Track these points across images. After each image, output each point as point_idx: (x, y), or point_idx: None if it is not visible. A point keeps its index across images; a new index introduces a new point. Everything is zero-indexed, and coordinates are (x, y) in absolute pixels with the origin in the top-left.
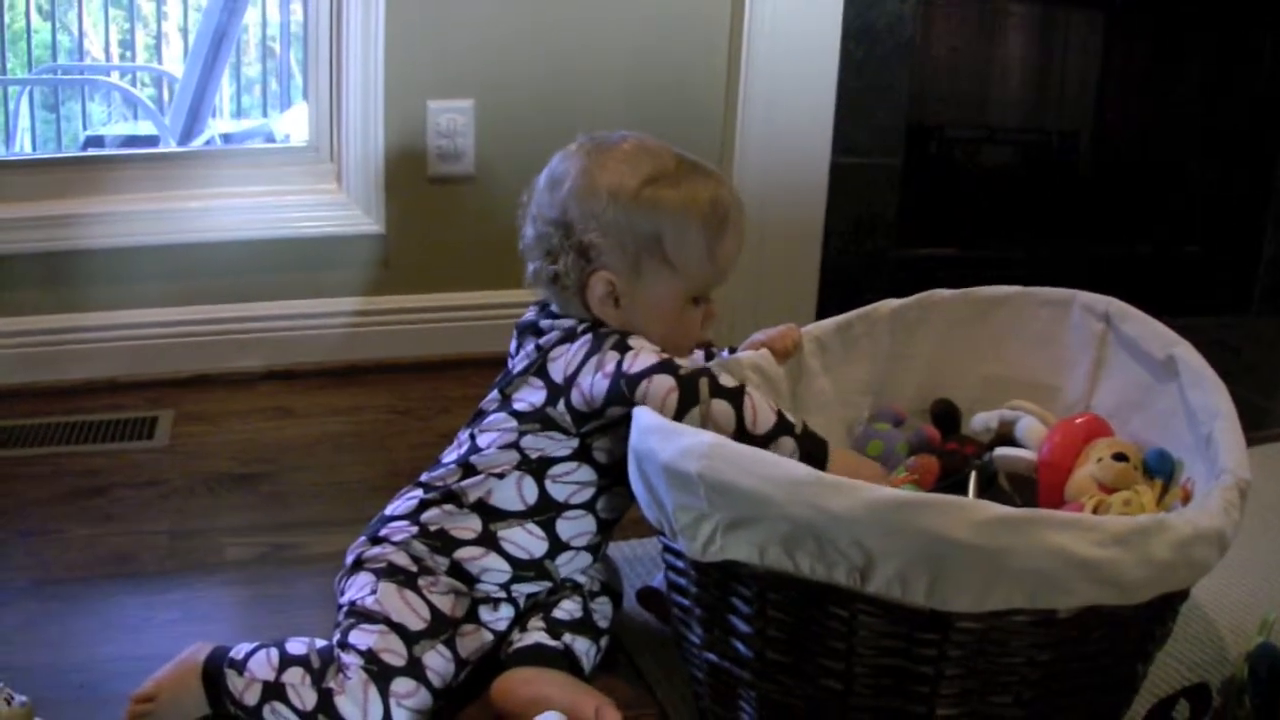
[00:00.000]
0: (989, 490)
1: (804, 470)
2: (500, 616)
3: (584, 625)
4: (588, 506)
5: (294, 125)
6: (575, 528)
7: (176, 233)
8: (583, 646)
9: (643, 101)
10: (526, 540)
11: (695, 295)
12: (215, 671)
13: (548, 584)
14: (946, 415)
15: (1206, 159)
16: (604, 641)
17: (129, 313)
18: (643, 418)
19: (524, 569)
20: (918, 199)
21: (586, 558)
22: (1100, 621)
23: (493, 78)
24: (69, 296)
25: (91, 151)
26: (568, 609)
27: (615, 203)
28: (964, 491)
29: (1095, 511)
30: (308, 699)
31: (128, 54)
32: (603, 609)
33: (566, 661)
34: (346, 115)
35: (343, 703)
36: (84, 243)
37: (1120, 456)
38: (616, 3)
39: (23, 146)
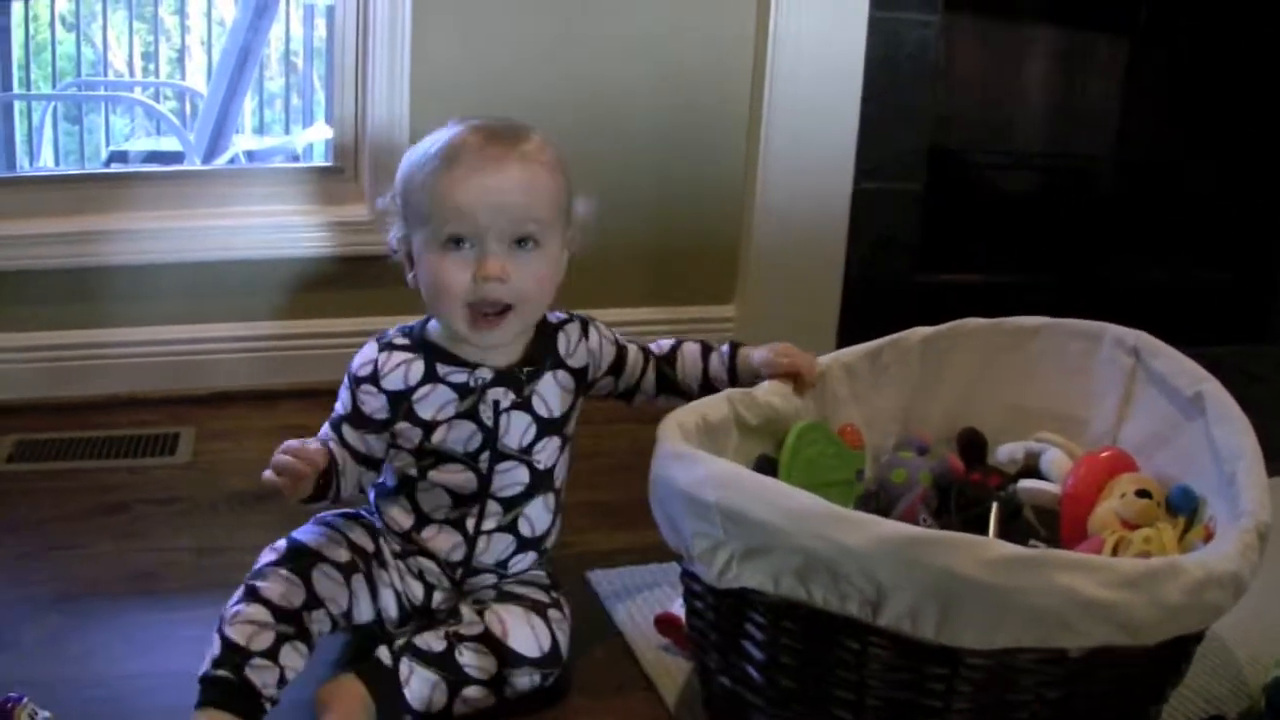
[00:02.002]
0: (1012, 522)
1: (817, 503)
2: (411, 588)
3: (438, 663)
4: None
5: (316, 140)
6: (431, 500)
7: (201, 250)
8: (422, 683)
9: (666, 123)
10: (400, 514)
11: (443, 238)
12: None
13: (432, 564)
14: (972, 444)
15: (1228, 185)
16: (474, 692)
17: (153, 329)
18: (664, 444)
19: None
20: (939, 224)
21: (452, 536)
22: (1111, 661)
23: (518, 97)
24: (93, 312)
25: (117, 168)
26: (427, 640)
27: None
28: (986, 523)
29: (1116, 548)
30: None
31: (150, 68)
32: (477, 659)
33: (386, 682)
34: (371, 134)
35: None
36: (108, 259)
37: (1143, 493)
38: (642, 25)
39: (45, 160)
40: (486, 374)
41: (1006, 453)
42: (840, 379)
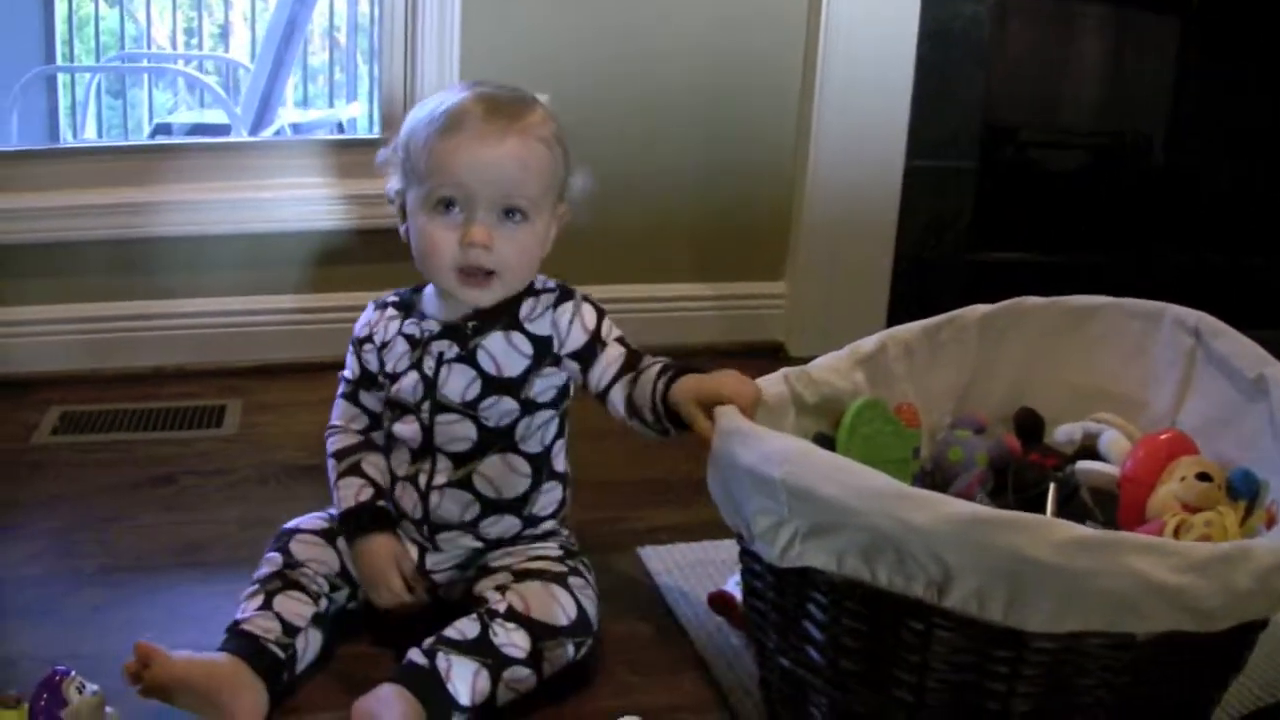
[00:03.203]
0: (1070, 504)
1: (886, 481)
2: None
3: (475, 648)
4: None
5: (359, 115)
6: (396, 457)
7: (248, 222)
8: (464, 671)
9: (717, 100)
10: (384, 475)
11: (435, 200)
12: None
13: (406, 523)
14: (1029, 425)
15: None
16: (514, 673)
17: (199, 301)
18: (724, 420)
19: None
20: (991, 202)
21: (411, 493)
22: (1178, 648)
23: (569, 72)
24: (140, 284)
25: (166, 139)
26: (460, 628)
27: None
28: (1043, 504)
29: (1176, 531)
30: None
31: (193, 43)
32: (510, 636)
33: (428, 682)
34: None
35: None
36: (156, 230)
37: (1204, 476)
38: (694, 1)
39: (89, 134)
40: (433, 326)
41: (1065, 433)
42: (898, 356)
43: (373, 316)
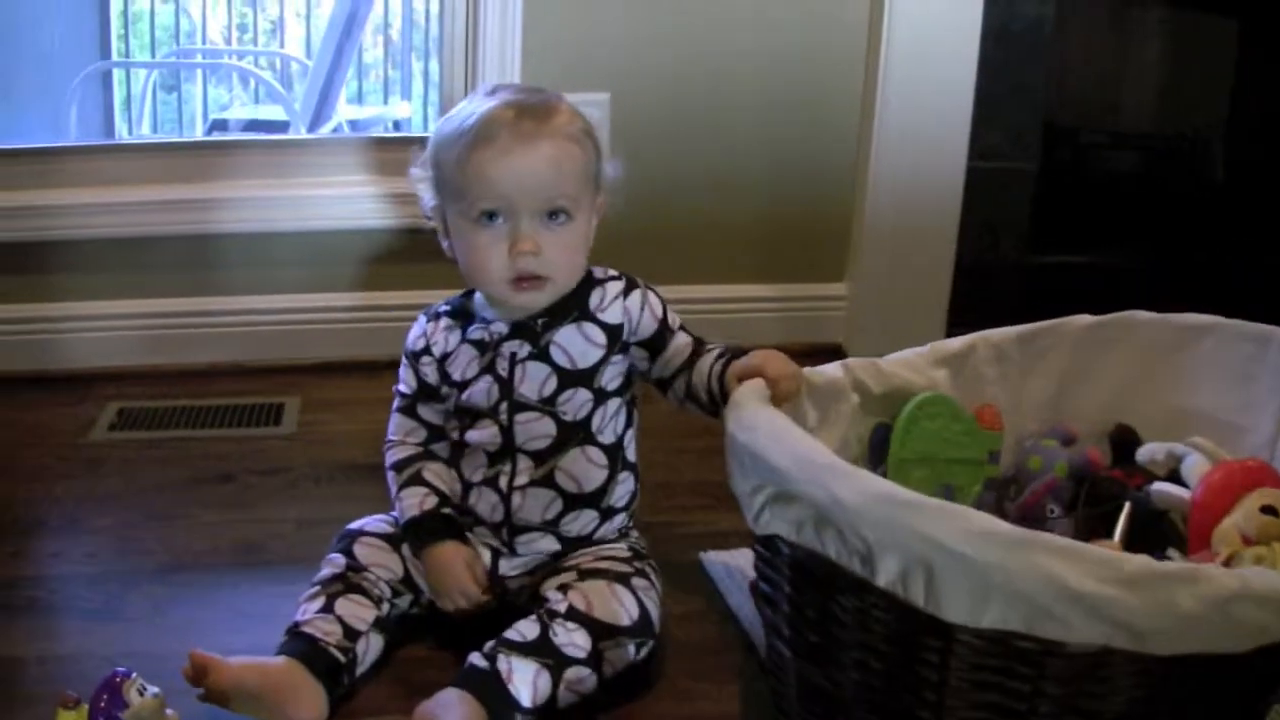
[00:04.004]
0: (1152, 527)
1: (822, 452)
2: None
3: (535, 649)
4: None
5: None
6: (470, 463)
7: (307, 219)
8: (525, 673)
9: (778, 101)
10: (454, 483)
11: (477, 213)
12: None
13: (484, 529)
14: (1125, 442)
15: None
16: (575, 673)
17: (259, 298)
18: (734, 398)
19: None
20: (1052, 204)
21: (490, 496)
22: (1196, 669)
23: (629, 72)
24: (199, 280)
25: (225, 135)
26: (521, 629)
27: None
28: (1115, 520)
29: (1227, 563)
30: None
31: (246, 37)
32: (571, 636)
33: (489, 684)
34: None
35: None
36: (215, 227)
37: (1269, 509)
38: (755, 1)
39: (144, 130)
40: (502, 327)
41: (1147, 453)
42: (989, 359)
43: (426, 328)
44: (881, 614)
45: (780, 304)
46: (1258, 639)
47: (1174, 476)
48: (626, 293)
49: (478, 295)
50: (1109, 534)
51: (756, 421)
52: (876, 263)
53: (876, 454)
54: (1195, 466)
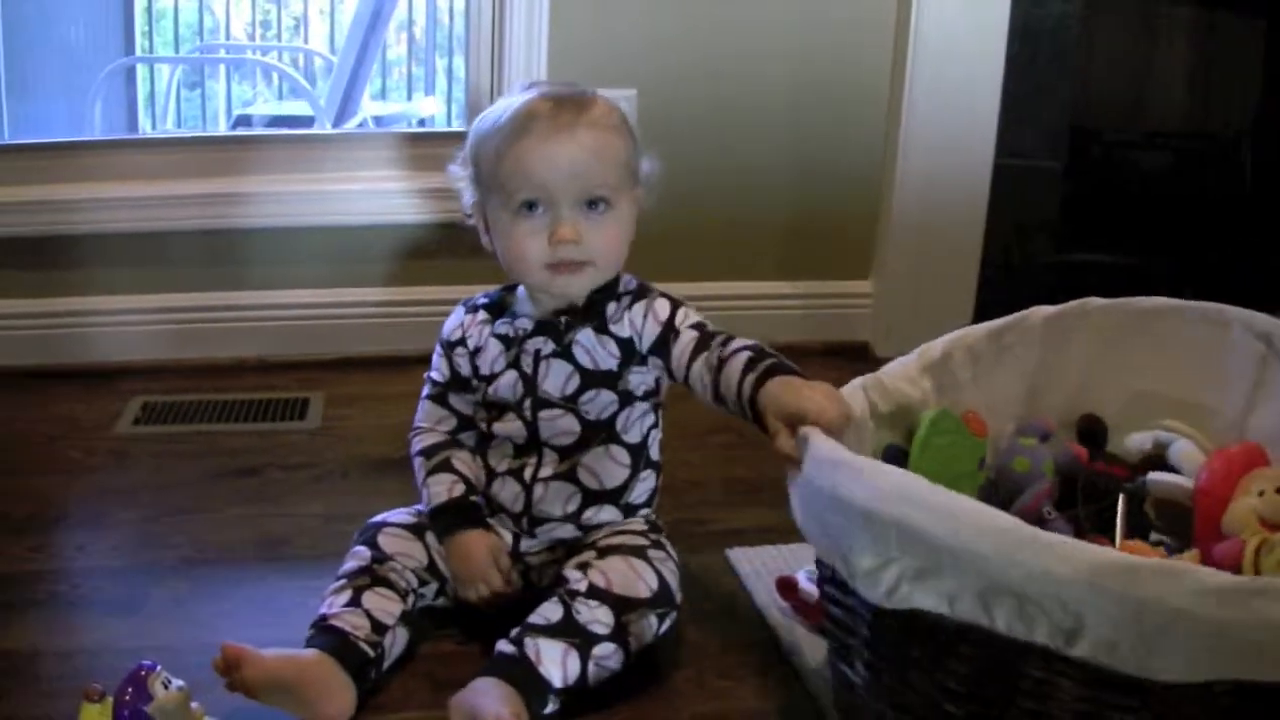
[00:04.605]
0: (1133, 517)
1: (1009, 522)
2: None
3: (561, 630)
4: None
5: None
6: (497, 453)
7: (332, 214)
8: (553, 654)
9: (805, 98)
10: (479, 470)
11: (517, 204)
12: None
13: (505, 516)
14: (1092, 432)
15: None
16: (602, 649)
17: (283, 293)
18: (819, 447)
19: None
20: (1079, 203)
21: (513, 486)
22: None
23: (656, 68)
24: (223, 275)
25: (253, 131)
26: (544, 612)
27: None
28: (1114, 515)
29: (1258, 550)
30: None
31: (269, 34)
32: (594, 613)
33: (520, 669)
34: None
35: None
36: (240, 222)
37: None
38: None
39: (168, 125)
40: (526, 324)
41: (1137, 442)
42: (963, 362)
43: (464, 319)
44: (1068, 681)
45: (806, 301)
46: None
47: (1155, 463)
48: (633, 304)
49: (520, 290)
50: (1106, 531)
51: (887, 485)
52: (903, 261)
53: None
54: (1184, 453)
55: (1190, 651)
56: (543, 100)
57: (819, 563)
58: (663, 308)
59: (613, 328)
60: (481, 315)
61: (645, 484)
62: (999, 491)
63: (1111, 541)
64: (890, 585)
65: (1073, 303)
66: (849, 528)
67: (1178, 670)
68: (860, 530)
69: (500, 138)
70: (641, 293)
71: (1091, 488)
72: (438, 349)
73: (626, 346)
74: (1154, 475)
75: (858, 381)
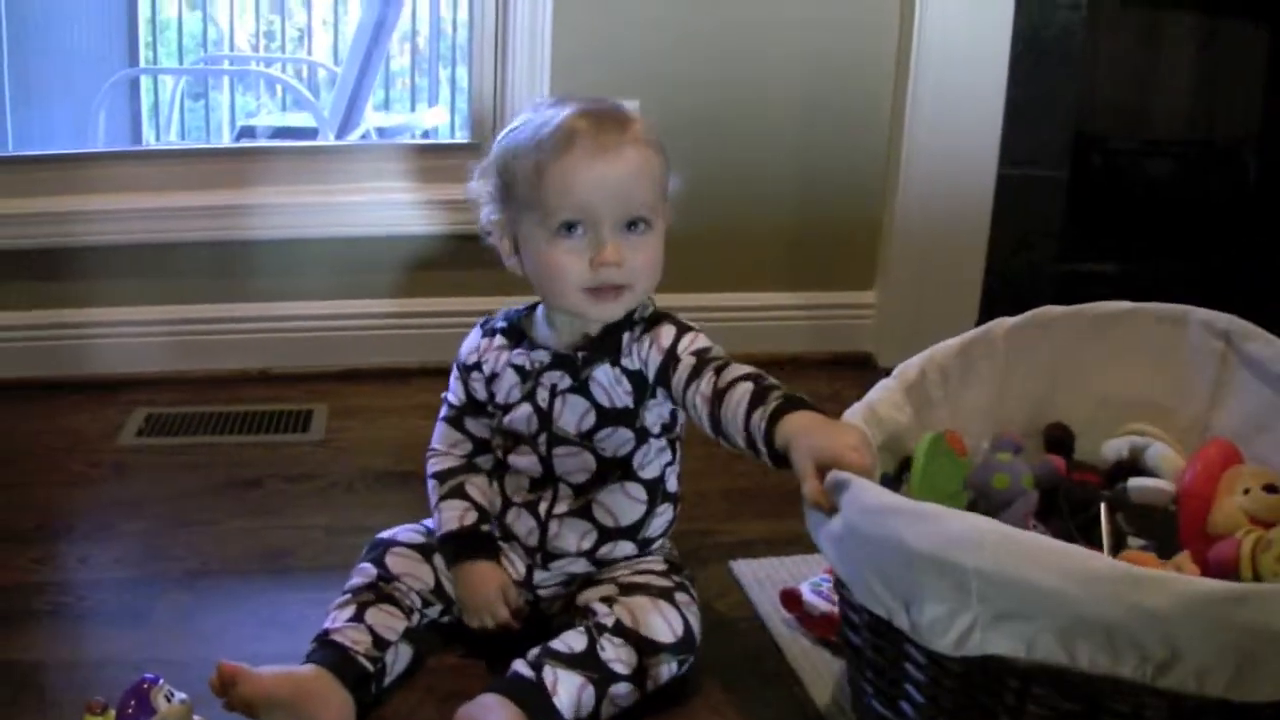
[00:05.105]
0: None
1: (1105, 563)
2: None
3: (582, 663)
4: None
5: (441, 122)
6: (512, 483)
7: (337, 226)
8: (570, 685)
9: (809, 107)
10: (493, 496)
11: (557, 225)
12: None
13: (517, 545)
14: (1059, 440)
15: None
16: (619, 689)
17: (287, 304)
18: (866, 494)
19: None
20: (1083, 211)
21: (528, 520)
22: None
23: (659, 78)
24: (228, 286)
25: (256, 143)
26: (567, 641)
27: (487, 158)
28: (1097, 525)
29: (1255, 547)
30: None
31: (273, 45)
32: (617, 651)
33: (533, 694)
34: (511, 112)
35: None
36: (245, 233)
37: (1272, 488)
38: (785, 8)
39: (172, 137)
40: (544, 356)
41: (1114, 449)
42: (935, 380)
43: (480, 343)
44: (1154, 714)
45: (809, 312)
46: None
47: (1130, 469)
48: (643, 335)
49: (538, 312)
50: (1091, 540)
51: (957, 531)
52: (906, 271)
53: None
54: (1161, 456)
55: None
56: (581, 116)
57: (849, 604)
58: (667, 335)
59: (624, 361)
60: (499, 340)
61: (662, 518)
62: (981, 509)
63: (1102, 552)
64: (962, 632)
65: (1032, 312)
66: (914, 577)
67: (1271, 690)
68: (933, 578)
69: (540, 155)
70: (653, 321)
71: (1072, 499)
72: (454, 371)
73: (638, 380)
74: (1135, 481)
75: (854, 413)
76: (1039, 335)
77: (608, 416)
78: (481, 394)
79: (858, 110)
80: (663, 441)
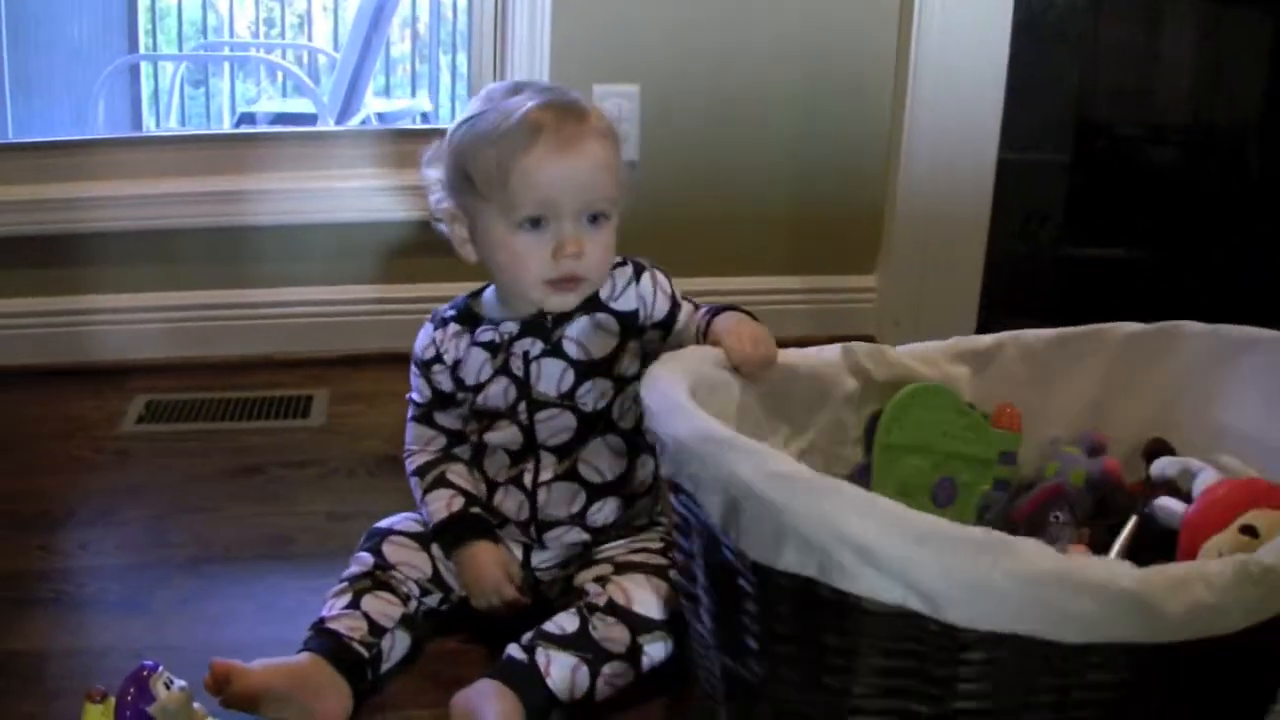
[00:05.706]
0: (1157, 541)
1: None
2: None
3: (574, 643)
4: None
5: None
6: (494, 463)
7: (337, 211)
8: (563, 667)
9: (809, 92)
10: (478, 483)
11: (521, 218)
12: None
13: (512, 527)
14: (1158, 455)
15: None
16: (613, 668)
17: (287, 290)
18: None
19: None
20: (1085, 197)
21: (516, 495)
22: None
23: (659, 63)
24: (228, 272)
25: (257, 129)
26: (560, 622)
27: (440, 145)
28: (1118, 533)
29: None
30: None
31: (273, 32)
32: (610, 630)
33: (527, 677)
34: None
35: None
36: (244, 219)
37: (1249, 530)
38: None
39: (171, 123)
40: (512, 327)
41: (1160, 467)
42: (1018, 358)
43: (435, 336)
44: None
45: (811, 296)
46: (1083, 633)
47: (1173, 490)
48: (637, 278)
49: (486, 294)
50: (1107, 545)
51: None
52: (908, 255)
53: (870, 440)
54: (1207, 483)
55: (762, 532)
56: (545, 109)
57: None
58: (665, 282)
59: (613, 304)
60: (454, 328)
61: (645, 469)
62: (1013, 487)
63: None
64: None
65: (1164, 324)
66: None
67: (760, 551)
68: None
69: (503, 148)
70: (639, 267)
71: (1105, 504)
72: (413, 369)
73: (628, 320)
74: (1160, 500)
75: (853, 345)
76: (1164, 347)
77: (585, 370)
78: (446, 385)
79: (859, 94)
80: (637, 388)
